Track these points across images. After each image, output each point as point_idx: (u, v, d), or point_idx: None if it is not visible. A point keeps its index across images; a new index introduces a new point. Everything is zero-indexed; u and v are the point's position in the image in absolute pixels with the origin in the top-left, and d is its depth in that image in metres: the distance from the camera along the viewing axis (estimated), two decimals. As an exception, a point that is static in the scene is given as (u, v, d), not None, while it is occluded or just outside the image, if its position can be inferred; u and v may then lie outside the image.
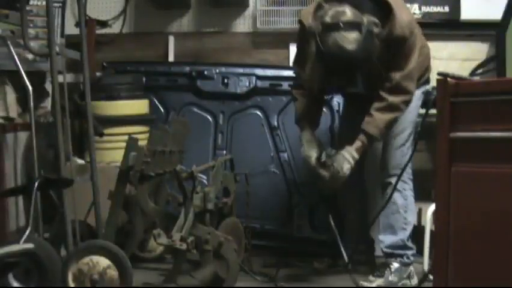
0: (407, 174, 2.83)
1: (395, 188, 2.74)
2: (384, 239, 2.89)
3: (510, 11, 3.42)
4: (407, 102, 2.73)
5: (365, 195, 3.12)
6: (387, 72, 2.70)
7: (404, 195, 2.83)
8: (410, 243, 2.86)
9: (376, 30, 2.58)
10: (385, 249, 2.87)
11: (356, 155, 2.72)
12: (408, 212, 2.84)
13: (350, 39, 2.49)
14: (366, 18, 2.55)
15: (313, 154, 2.79)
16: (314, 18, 2.62)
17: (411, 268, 2.86)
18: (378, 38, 2.60)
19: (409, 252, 2.85)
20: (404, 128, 2.86)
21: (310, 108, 2.92)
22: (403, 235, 2.83)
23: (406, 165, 2.69)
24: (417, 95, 2.85)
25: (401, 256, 2.83)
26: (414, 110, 2.87)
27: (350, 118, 3.06)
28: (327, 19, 2.53)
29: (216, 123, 3.62)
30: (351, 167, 2.71)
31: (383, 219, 2.88)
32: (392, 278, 2.81)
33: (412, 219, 2.88)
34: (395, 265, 2.83)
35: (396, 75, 2.68)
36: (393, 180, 2.78)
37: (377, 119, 2.70)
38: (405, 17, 2.66)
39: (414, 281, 2.84)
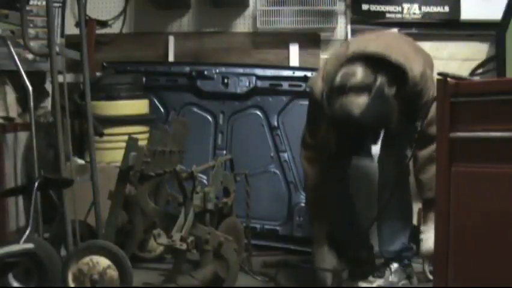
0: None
1: (392, 194, 2.71)
2: (386, 245, 2.87)
3: (510, 11, 3.43)
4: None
5: (353, 206, 2.98)
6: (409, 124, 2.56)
7: (404, 199, 2.81)
8: (410, 245, 2.85)
9: (388, 90, 2.39)
10: (387, 255, 2.87)
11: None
12: (406, 214, 2.84)
13: (357, 104, 2.31)
14: (380, 79, 2.37)
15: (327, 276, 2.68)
16: (323, 80, 2.52)
17: (411, 268, 2.86)
18: (392, 97, 2.41)
19: (409, 253, 2.84)
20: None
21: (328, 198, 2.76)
22: (404, 238, 2.83)
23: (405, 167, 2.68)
24: None
25: (402, 258, 2.83)
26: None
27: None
28: (336, 82, 2.39)
29: (216, 123, 3.62)
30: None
31: (383, 225, 2.87)
32: (392, 278, 2.81)
33: (411, 220, 2.87)
34: (395, 265, 2.83)
35: (427, 126, 2.45)
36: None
37: (430, 177, 2.44)
38: (417, 69, 2.47)
39: (414, 281, 2.84)
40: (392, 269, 2.82)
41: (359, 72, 2.36)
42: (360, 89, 2.34)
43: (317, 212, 2.81)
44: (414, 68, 2.47)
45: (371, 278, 2.84)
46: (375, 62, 2.40)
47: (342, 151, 2.68)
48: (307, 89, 2.73)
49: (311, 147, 2.74)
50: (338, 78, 2.39)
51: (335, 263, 2.77)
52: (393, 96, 2.41)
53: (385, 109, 2.39)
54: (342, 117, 2.35)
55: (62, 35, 3.62)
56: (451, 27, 3.83)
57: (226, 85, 3.60)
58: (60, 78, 2.61)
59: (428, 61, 2.67)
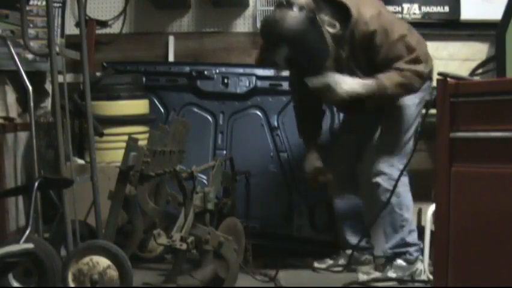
0: (399, 171, 2.80)
1: (393, 192, 2.74)
2: (386, 241, 2.88)
3: (510, 11, 3.42)
4: (420, 76, 2.70)
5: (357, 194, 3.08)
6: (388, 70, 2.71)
7: (396, 194, 2.80)
8: (411, 240, 2.84)
9: (331, 30, 2.65)
10: (388, 251, 2.87)
11: (367, 82, 2.69)
12: (403, 209, 2.83)
13: (283, 15, 2.59)
14: (320, 17, 2.62)
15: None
16: None
17: (418, 267, 2.83)
18: (335, 38, 2.67)
19: (411, 249, 2.83)
20: (400, 128, 2.85)
21: (306, 119, 3.02)
22: (403, 233, 2.83)
23: (405, 167, 2.68)
24: (408, 97, 2.83)
25: (404, 254, 2.83)
26: (412, 109, 2.85)
27: (345, 135, 3.12)
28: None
29: (216, 123, 3.61)
30: (353, 86, 2.68)
31: (381, 222, 2.87)
32: (391, 273, 2.82)
33: (409, 215, 2.85)
34: (398, 262, 2.83)
35: (399, 64, 2.69)
36: (380, 179, 2.80)
37: (391, 74, 2.69)
38: (369, 12, 2.68)
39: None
40: (394, 265, 2.82)
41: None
42: (288, 5, 2.60)
43: (302, 124, 3.08)
44: (364, 10, 2.67)
45: (370, 271, 2.86)
46: (321, 6, 2.67)
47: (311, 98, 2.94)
48: None
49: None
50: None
51: (319, 164, 2.97)
52: (333, 37, 2.66)
53: (312, 34, 2.61)
54: (264, 23, 2.73)
55: (62, 35, 3.62)
56: (451, 27, 3.83)
57: (226, 85, 3.60)
58: (60, 78, 2.61)
59: (392, 18, 2.84)
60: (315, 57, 2.70)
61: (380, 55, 2.72)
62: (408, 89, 2.73)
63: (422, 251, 2.86)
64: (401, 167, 2.78)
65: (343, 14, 2.68)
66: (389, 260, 2.85)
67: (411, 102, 2.85)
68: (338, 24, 2.68)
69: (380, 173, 2.82)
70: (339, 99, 2.72)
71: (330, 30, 2.68)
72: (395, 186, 2.74)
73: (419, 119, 2.88)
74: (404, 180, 2.83)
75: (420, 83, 2.74)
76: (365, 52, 2.73)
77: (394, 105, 2.85)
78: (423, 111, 2.82)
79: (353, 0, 2.71)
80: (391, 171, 2.81)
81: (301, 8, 2.61)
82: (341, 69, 2.74)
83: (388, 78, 2.70)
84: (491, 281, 1.81)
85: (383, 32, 2.69)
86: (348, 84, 2.69)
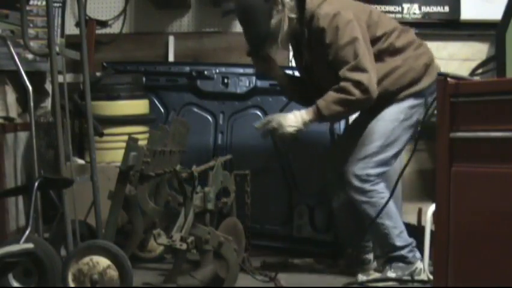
0: (373, 178, 2.80)
1: (385, 205, 2.73)
2: (376, 251, 2.93)
3: (510, 11, 3.42)
4: (360, 87, 2.69)
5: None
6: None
7: (372, 204, 2.80)
8: (401, 243, 2.82)
9: (292, 15, 2.80)
10: (381, 260, 2.89)
11: (305, 117, 2.77)
12: (383, 217, 2.79)
13: None
14: (284, 0, 2.78)
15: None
16: None
17: (417, 265, 2.82)
18: (293, 23, 2.82)
19: (404, 251, 2.82)
20: (373, 138, 2.83)
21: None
22: (390, 240, 2.81)
23: (402, 172, 2.67)
24: (400, 108, 2.83)
25: (398, 257, 2.83)
26: (390, 122, 2.83)
27: (342, 138, 3.17)
28: None
29: (216, 123, 3.61)
30: (297, 125, 2.77)
31: (368, 233, 2.90)
32: (390, 273, 2.82)
33: (392, 221, 2.80)
34: (396, 263, 2.83)
35: (342, 71, 2.72)
36: (350, 191, 2.81)
37: (328, 94, 2.74)
38: (326, 9, 2.75)
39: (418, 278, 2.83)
40: (393, 266, 2.82)
41: None
42: None
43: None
44: (323, 7, 2.76)
45: (370, 272, 2.86)
46: None
47: None
48: None
49: None
50: None
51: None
52: (291, 21, 2.81)
53: (261, 10, 2.80)
54: None
55: (62, 35, 3.62)
56: (451, 27, 3.83)
57: (226, 85, 3.60)
58: (60, 78, 2.61)
59: (362, 17, 2.81)
60: (255, 33, 2.87)
61: (330, 56, 2.76)
62: (348, 103, 2.72)
63: (417, 247, 2.86)
64: (373, 171, 2.79)
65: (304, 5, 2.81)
66: (387, 262, 2.85)
67: (392, 117, 2.83)
68: (296, 11, 2.81)
69: (350, 173, 2.81)
70: (289, 138, 2.81)
71: (291, 15, 2.82)
72: (386, 203, 2.74)
73: (408, 137, 2.85)
74: (379, 188, 2.81)
75: (364, 96, 2.70)
76: (321, 48, 2.79)
77: (373, 114, 2.85)
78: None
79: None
80: (361, 173, 2.80)
81: None
82: (303, 57, 2.91)
83: (324, 100, 2.75)
84: (492, 280, 1.81)
85: (334, 32, 2.73)
86: (291, 124, 2.77)
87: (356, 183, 2.79)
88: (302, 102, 3.07)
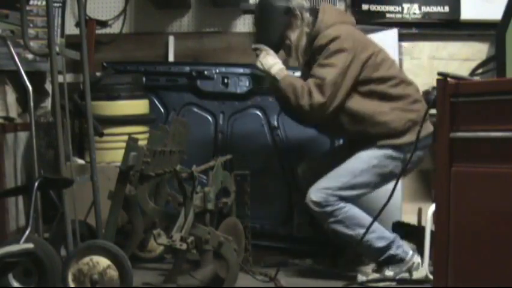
0: (332, 202, 2.81)
1: (373, 221, 2.74)
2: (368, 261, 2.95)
3: (510, 11, 3.42)
4: (312, 101, 2.78)
5: None
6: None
7: (339, 221, 2.81)
8: (382, 244, 2.82)
9: (307, 29, 2.91)
10: (374, 266, 2.91)
11: (276, 69, 2.90)
12: (355, 229, 2.80)
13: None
14: (304, 15, 2.91)
15: None
16: None
17: (413, 260, 2.83)
18: (307, 37, 2.91)
19: (391, 251, 2.83)
20: (340, 173, 2.85)
21: None
22: (372, 246, 2.81)
23: (397, 183, 2.66)
24: (376, 154, 2.83)
25: (388, 259, 2.84)
26: (361, 164, 2.84)
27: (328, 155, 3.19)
28: None
29: (216, 123, 3.61)
30: (265, 65, 2.92)
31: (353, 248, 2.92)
32: (388, 272, 2.83)
33: (363, 228, 2.78)
34: (390, 263, 2.84)
35: (311, 79, 2.83)
36: (314, 215, 2.86)
37: (297, 80, 2.88)
38: (332, 32, 2.84)
39: (417, 274, 2.83)
40: (390, 266, 2.83)
41: None
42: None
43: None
44: (330, 29, 2.86)
45: (369, 272, 2.86)
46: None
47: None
48: None
49: None
50: None
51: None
52: (297, 25, 2.92)
53: (276, 18, 2.93)
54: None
55: (62, 35, 3.62)
56: (451, 27, 3.83)
57: (226, 85, 3.60)
58: (60, 78, 2.61)
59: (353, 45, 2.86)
60: (266, 39, 2.96)
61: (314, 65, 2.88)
62: (295, 96, 2.82)
63: (417, 247, 2.87)
64: (332, 198, 2.80)
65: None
66: (381, 265, 2.86)
67: (365, 160, 2.84)
68: (311, 27, 2.92)
69: (308, 199, 2.84)
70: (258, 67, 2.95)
71: (306, 29, 2.92)
72: (362, 238, 2.75)
73: (375, 183, 2.86)
74: (340, 205, 2.81)
75: (307, 110, 2.81)
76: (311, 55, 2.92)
77: (353, 152, 2.87)
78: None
79: (337, 19, 2.93)
80: (320, 200, 2.81)
81: (292, 0, 2.93)
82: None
83: (295, 81, 2.87)
84: (491, 281, 1.81)
85: (324, 51, 2.82)
86: (268, 58, 2.92)
87: (316, 209, 2.83)
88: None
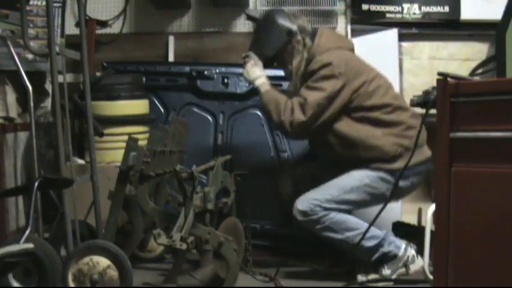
0: (317, 211, 2.82)
1: (368, 229, 2.76)
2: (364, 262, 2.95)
3: (510, 11, 3.42)
4: (294, 118, 2.82)
5: None
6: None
7: (327, 227, 2.82)
8: (374, 242, 2.83)
9: (306, 54, 2.93)
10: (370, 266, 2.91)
11: (260, 82, 2.98)
12: (343, 234, 2.82)
13: (281, 12, 3.03)
14: (305, 40, 2.95)
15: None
16: None
17: (407, 253, 2.85)
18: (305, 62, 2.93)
19: (383, 249, 2.84)
20: (330, 187, 2.86)
21: None
22: (364, 247, 2.82)
23: (396, 184, 2.68)
24: (369, 174, 2.84)
25: (382, 257, 2.85)
26: (352, 181, 2.85)
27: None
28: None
29: (216, 123, 3.61)
30: (251, 78, 3.00)
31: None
32: (385, 271, 2.85)
33: (352, 231, 2.81)
34: (385, 261, 2.86)
35: (295, 99, 2.86)
36: (302, 225, 2.87)
37: (281, 97, 2.91)
38: (326, 58, 2.85)
39: (414, 266, 2.85)
40: (385, 264, 2.84)
41: (300, 19, 3.05)
42: (290, 15, 3.04)
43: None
44: (325, 55, 2.88)
45: (369, 271, 2.88)
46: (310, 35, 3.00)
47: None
48: None
49: None
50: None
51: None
52: (299, 50, 2.96)
53: (275, 37, 2.97)
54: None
55: (62, 35, 3.62)
56: (451, 27, 3.83)
57: (226, 85, 3.60)
58: (60, 78, 2.61)
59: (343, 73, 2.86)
60: (259, 51, 3.01)
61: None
62: (277, 111, 2.87)
63: (417, 247, 2.87)
64: (318, 208, 2.81)
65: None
66: (377, 263, 2.88)
67: (357, 177, 2.85)
68: (308, 51, 2.95)
69: (295, 209, 2.86)
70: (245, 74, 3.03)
71: (306, 54, 2.94)
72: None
73: (364, 201, 2.87)
74: (324, 212, 2.82)
75: (286, 127, 2.85)
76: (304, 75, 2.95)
77: (343, 171, 2.87)
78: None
79: (333, 44, 2.94)
80: (307, 209, 2.83)
81: (295, 22, 2.98)
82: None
83: (277, 93, 2.94)
84: (491, 281, 1.81)
85: (314, 75, 2.84)
86: (255, 69, 2.99)
87: (302, 218, 2.84)
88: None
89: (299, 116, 2.81)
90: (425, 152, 2.89)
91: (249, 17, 3.19)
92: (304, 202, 2.85)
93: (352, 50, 3.04)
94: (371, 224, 2.75)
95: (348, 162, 2.88)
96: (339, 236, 2.83)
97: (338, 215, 2.83)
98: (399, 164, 2.77)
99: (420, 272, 2.77)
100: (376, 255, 2.84)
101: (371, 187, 2.84)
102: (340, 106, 2.83)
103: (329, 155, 2.98)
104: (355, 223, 2.83)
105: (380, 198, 2.79)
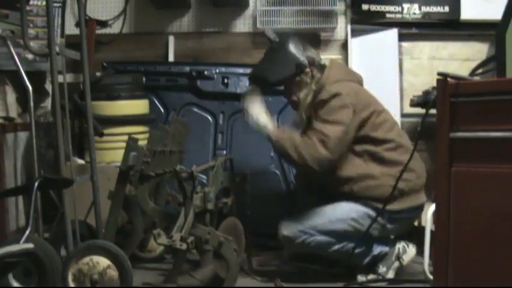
0: (302, 234, 2.83)
1: (368, 229, 2.79)
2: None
3: (510, 11, 3.42)
4: (314, 157, 2.75)
5: None
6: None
7: (313, 246, 2.83)
8: (363, 247, 2.85)
9: (314, 87, 2.88)
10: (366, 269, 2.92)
11: (268, 129, 2.89)
12: (332, 247, 2.83)
13: (294, 40, 2.95)
14: (314, 72, 2.92)
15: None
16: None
17: (398, 246, 2.89)
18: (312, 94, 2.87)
19: (374, 252, 2.87)
20: (317, 215, 2.84)
21: None
22: (356, 255, 2.84)
23: (396, 184, 2.66)
24: (358, 208, 2.82)
25: (374, 258, 2.87)
26: (339, 212, 2.84)
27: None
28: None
29: (216, 123, 3.62)
30: (256, 120, 2.92)
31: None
32: (381, 269, 2.87)
33: (339, 245, 2.83)
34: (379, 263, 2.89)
35: (313, 135, 2.79)
36: (284, 232, 2.85)
37: (293, 136, 2.83)
38: (334, 89, 2.81)
39: (407, 256, 2.89)
40: (381, 263, 2.87)
41: (311, 51, 2.99)
42: (301, 45, 2.97)
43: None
44: (334, 86, 2.83)
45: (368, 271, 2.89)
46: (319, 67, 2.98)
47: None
48: None
49: None
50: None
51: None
52: (306, 83, 2.92)
53: (281, 68, 2.92)
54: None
55: (62, 35, 3.62)
56: (451, 27, 3.83)
57: (226, 85, 3.60)
58: (60, 78, 2.61)
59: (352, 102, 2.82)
60: (263, 76, 2.98)
61: (313, 124, 2.83)
62: (297, 154, 2.77)
63: (417, 247, 2.88)
64: (299, 233, 2.81)
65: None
66: (371, 265, 2.90)
67: (345, 210, 2.83)
68: (316, 83, 2.91)
69: (280, 233, 2.86)
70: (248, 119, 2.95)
71: (313, 87, 2.90)
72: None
73: (348, 234, 2.83)
74: (305, 234, 2.83)
75: (308, 167, 2.77)
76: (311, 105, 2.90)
77: (335, 200, 2.87)
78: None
79: (342, 76, 2.91)
80: (291, 235, 2.83)
81: (306, 53, 2.94)
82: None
83: (286, 138, 2.82)
84: (491, 281, 1.81)
85: (325, 107, 2.80)
86: (259, 115, 2.93)
87: (287, 243, 2.86)
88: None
89: (324, 154, 2.74)
90: (421, 198, 2.89)
91: (268, 39, 3.08)
92: (288, 227, 2.84)
93: (361, 83, 3.02)
94: (361, 237, 2.79)
95: (341, 194, 2.87)
96: (329, 250, 2.84)
97: (321, 236, 2.82)
98: (390, 207, 2.77)
99: (414, 260, 2.86)
100: (367, 259, 2.87)
101: (357, 222, 2.82)
102: (353, 136, 2.81)
103: (321, 186, 2.97)
104: (338, 246, 2.84)
105: (363, 236, 2.81)
